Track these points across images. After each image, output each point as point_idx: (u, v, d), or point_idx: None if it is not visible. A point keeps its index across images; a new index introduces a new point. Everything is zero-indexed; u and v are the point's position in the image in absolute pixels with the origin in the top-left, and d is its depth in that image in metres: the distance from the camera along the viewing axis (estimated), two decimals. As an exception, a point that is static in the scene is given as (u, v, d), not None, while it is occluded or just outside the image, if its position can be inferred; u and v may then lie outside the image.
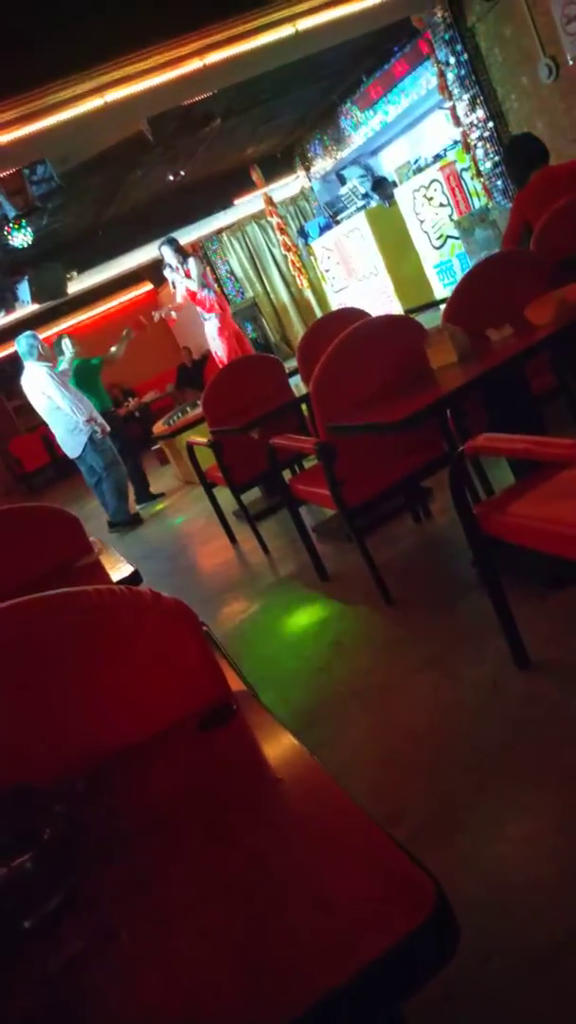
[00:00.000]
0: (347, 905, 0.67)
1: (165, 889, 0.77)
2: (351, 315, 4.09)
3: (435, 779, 1.86)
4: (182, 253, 6.97)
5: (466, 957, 1.33)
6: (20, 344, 5.75)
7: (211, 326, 7.24)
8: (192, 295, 7.00)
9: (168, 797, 0.92)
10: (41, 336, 5.97)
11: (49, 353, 5.83)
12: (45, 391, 5.68)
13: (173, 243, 6.98)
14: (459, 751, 1.92)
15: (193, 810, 0.88)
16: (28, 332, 5.88)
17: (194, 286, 6.92)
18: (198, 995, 0.65)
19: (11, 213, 6.43)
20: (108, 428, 5.92)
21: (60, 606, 1.03)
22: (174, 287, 7.12)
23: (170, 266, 6.96)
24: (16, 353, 5.89)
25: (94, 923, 0.75)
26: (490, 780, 1.77)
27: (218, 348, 7.34)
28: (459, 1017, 1.26)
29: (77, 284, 9.98)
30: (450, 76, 7.09)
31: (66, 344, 6.15)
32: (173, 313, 6.95)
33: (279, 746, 0.96)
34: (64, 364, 6.01)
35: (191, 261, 6.92)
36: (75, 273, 9.73)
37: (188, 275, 6.90)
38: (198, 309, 7.18)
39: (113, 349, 6.48)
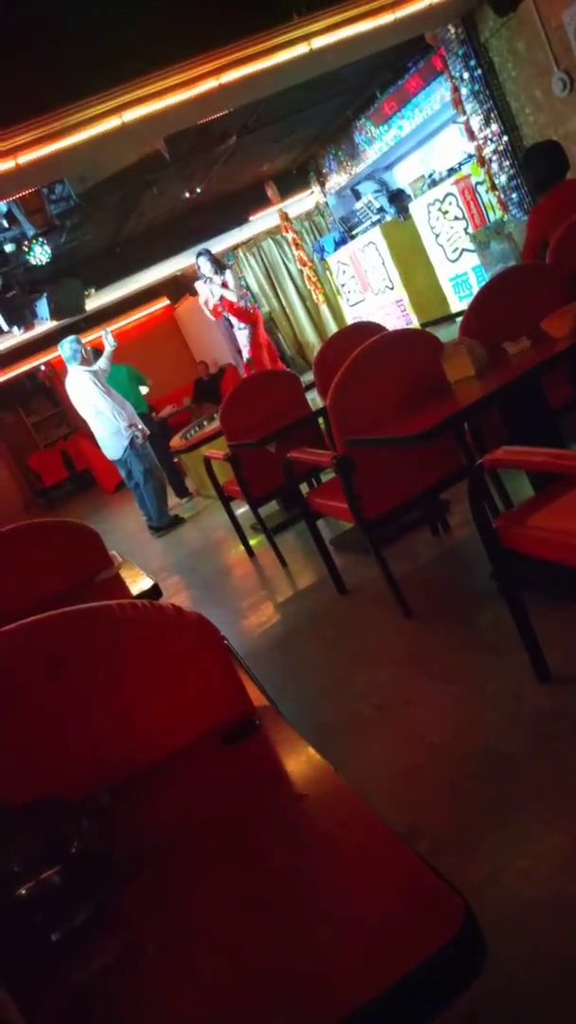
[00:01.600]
0: (374, 922, 0.67)
1: (191, 904, 0.77)
2: (368, 329, 4.11)
3: (456, 793, 1.84)
4: (218, 264, 7.05)
5: (490, 975, 1.32)
6: (63, 348, 5.86)
7: (244, 335, 7.29)
8: (230, 305, 7.07)
9: (192, 812, 0.92)
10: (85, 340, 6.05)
11: (91, 357, 5.90)
12: (88, 395, 5.76)
13: (208, 254, 7.09)
14: (480, 765, 1.90)
15: (218, 825, 0.88)
16: (72, 336, 5.98)
17: (232, 296, 7.00)
18: (225, 1011, 0.65)
19: (30, 231, 6.51)
20: (148, 432, 5.99)
21: (85, 621, 1.04)
22: (205, 298, 7.18)
23: (206, 277, 7.03)
24: (35, 370, 5.98)
25: (121, 937, 0.75)
26: (512, 795, 1.76)
27: (249, 358, 7.39)
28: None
29: (95, 301, 10.08)
30: (464, 91, 7.12)
31: (107, 338, 6.14)
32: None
33: (302, 761, 0.96)
34: (104, 360, 6.05)
35: (228, 273, 7.01)
36: (93, 290, 9.83)
37: (226, 286, 6.97)
38: (232, 320, 7.25)
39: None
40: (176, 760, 1.02)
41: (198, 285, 7.21)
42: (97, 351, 6.14)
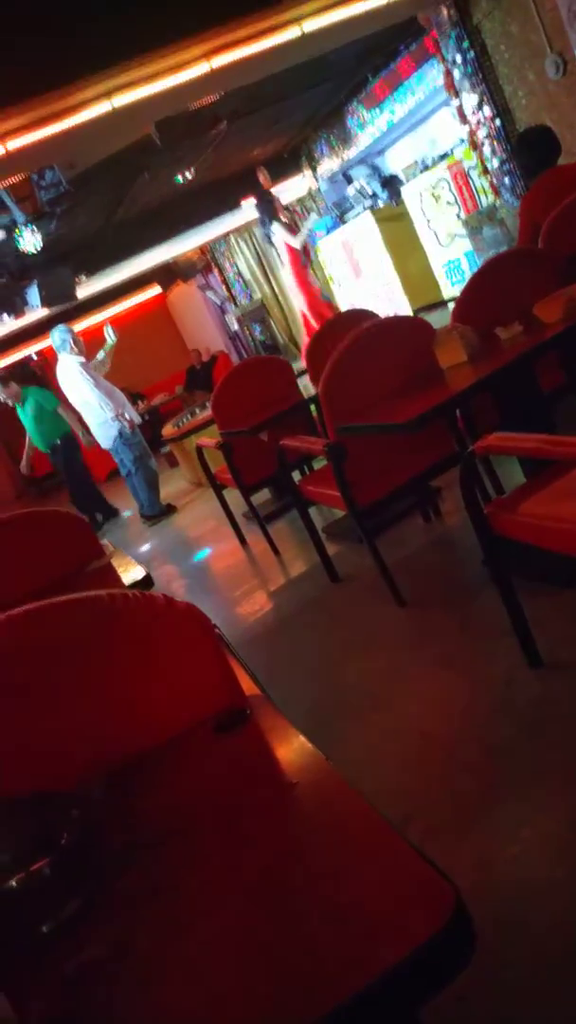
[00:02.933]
0: (365, 910, 0.67)
1: (182, 895, 0.77)
2: (360, 316, 4.09)
3: (448, 779, 1.85)
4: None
5: (480, 958, 1.33)
6: (54, 337, 5.85)
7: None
8: (291, 251, 7.31)
9: (184, 802, 0.92)
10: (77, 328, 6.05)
11: (83, 346, 5.87)
12: (76, 384, 5.75)
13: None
14: (472, 751, 1.91)
15: (209, 815, 0.88)
16: (62, 325, 5.97)
17: (296, 243, 7.26)
18: (216, 1001, 0.65)
19: (20, 218, 6.46)
20: (138, 421, 5.98)
21: (76, 611, 1.04)
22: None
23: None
24: (27, 358, 5.97)
25: (112, 928, 0.75)
26: (503, 780, 1.77)
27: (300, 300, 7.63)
28: (474, 1017, 1.25)
29: (86, 288, 10.00)
30: (456, 74, 7.07)
31: (108, 332, 6.13)
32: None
33: (294, 750, 0.96)
34: (103, 353, 6.04)
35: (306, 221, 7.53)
36: (84, 277, 9.75)
37: (293, 232, 7.23)
38: (286, 260, 7.47)
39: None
40: (168, 749, 1.02)
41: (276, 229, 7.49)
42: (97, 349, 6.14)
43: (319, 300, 7.61)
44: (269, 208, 7.30)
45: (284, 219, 7.36)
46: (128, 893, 0.80)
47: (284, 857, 0.78)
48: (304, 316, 7.70)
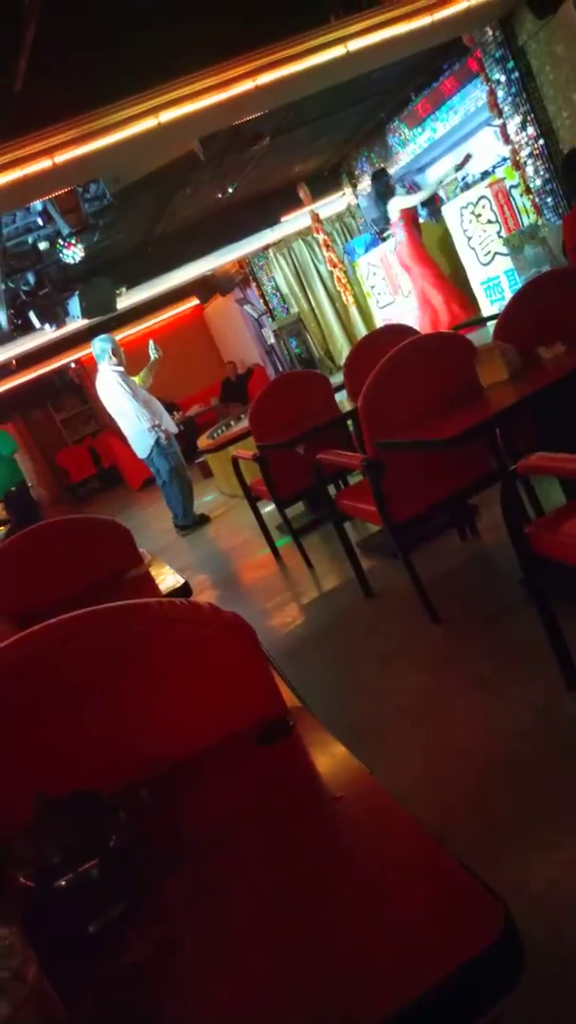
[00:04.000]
0: (413, 924, 0.67)
1: (229, 902, 0.78)
2: (400, 332, 4.10)
3: (482, 800, 1.84)
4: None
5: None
6: (94, 346, 5.95)
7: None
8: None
9: (229, 809, 0.93)
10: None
11: (123, 356, 5.95)
12: (113, 395, 5.82)
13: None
14: (506, 772, 1.89)
15: (254, 823, 0.89)
16: (104, 335, 6.05)
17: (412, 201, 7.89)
18: (261, 1006, 0.66)
19: (65, 230, 6.58)
20: (174, 431, 6.03)
21: (125, 617, 1.06)
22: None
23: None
24: (65, 367, 6.05)
25: (159, 932, 0.76)
26: (539, 802, 1.75)
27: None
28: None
29: (126, 300, 10.15)
30: (500, 94, 7.08)
31: (152, 349, 6.18)
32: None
33: (337, 763, 0.96)
34: (145, 371, 6.13)
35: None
36: (124, 289, 9.90)
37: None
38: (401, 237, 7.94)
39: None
40: (211, 758, 1.03)
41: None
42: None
43: (441, 277, 7.84)
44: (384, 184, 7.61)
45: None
46: (174, 897, 0.81)
47: (329, 868, 0.78)
48: (423, 293, 7.88)
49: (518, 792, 1.81)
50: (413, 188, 8.17)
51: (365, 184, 10.49)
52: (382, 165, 9.66)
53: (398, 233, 7.93)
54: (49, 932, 0.77)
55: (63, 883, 0.78)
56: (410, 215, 7.77)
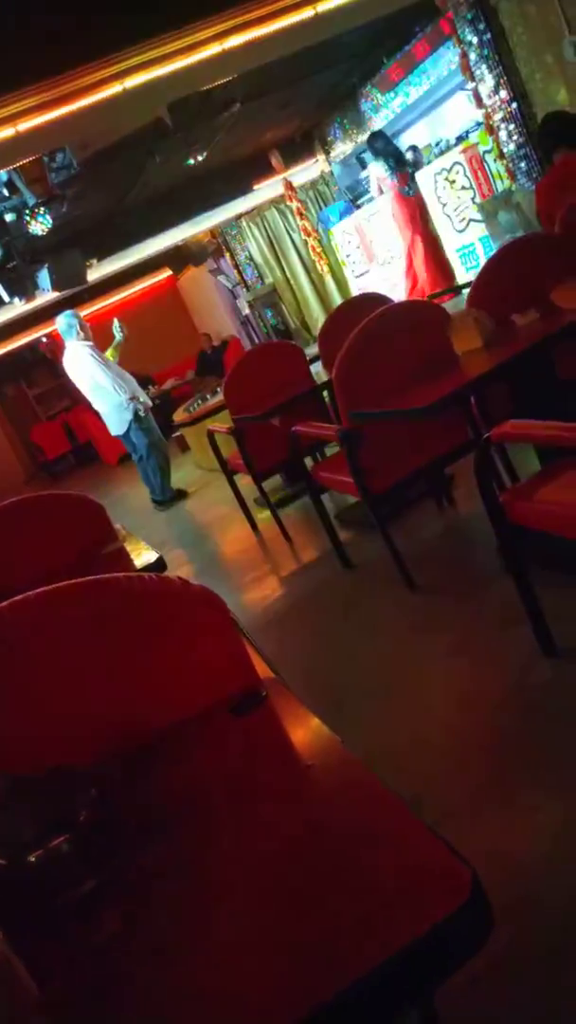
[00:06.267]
0: (383, 890, 0.67)
1: (201, 872, 0.78)
2: (373, 301, 4.06)
3: (459, 765, 1.86)
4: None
5: (494, 940, 1.33)
6: (60, 323, 5.78)
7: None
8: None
9: (201, 782, 0.93)
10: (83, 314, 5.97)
11: (89, 332, 5.83)
12: (87, 370, 5.70)
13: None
14: (484, 737, 1.92)
15: (226, 795, 0.89)
16: (68, 311, 5.89)
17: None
18: (234, 975, 0.66)
19: (31, 201, 6.43)
20: (149, 405, 5.94)
21: (93, 592, 1.04)
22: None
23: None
24: (37, 342, 5.93)
25: (130, 904, 0.76)
26: (515, 766, 1.77)
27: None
28: (486, 1001, 1.26)
29: (96, 272, 9.98)
30: (473, 56, 6.98)
31: (116, 329, 6.05)
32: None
33: (309, 732, 0.96)
34: (112, 352, 5.99)
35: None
36: (95, 261, 9.72)
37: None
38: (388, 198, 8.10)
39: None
40: (183, 730, 1.03)
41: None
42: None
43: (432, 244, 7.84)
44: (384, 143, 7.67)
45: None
46: (146, 870, 0.81)
47: (301, 836, 0.78)
48: (410, 260, 7.91)
49: (495, 757, 1.83)
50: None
51: (338, 150, 10.36)
52: (356, 132, 9.54)
53: (386, 195, 7.96)
54: (21, 907, 0.77)
55: (32, 859, 0.78)
56: (395, 184, 7.82)
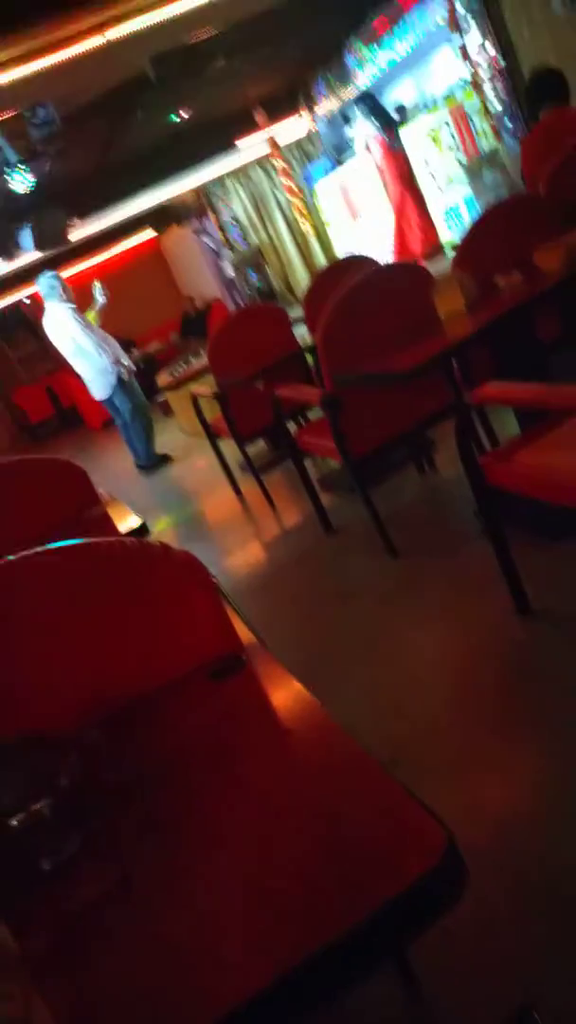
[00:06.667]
0: (360, 850, 0.69)
1: (180, 835, 0.79)
2: (357, 264, 4.02)
3: (436, 723, 1.89)
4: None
5: (466, 893, 1.37)
6: (40, 284, 5.64)
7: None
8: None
9: (181, 746, 0.94)
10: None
11: (71, 293, 5.71)
12: (69, 332, 5.59)
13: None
14: (460, 696, 1.95)
15: (206, 758, 0.90)
16: (49, 272, 5.76)
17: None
18: (214, 933, 0.67)
19: (12, 158, 6.27)
20: (134, 369, 5.86)
21: (73, 558, 1.04)
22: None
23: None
24: (19, 303, 5.81)
25: (111, 867, 0.77)
26: (490, 725, 1.81)
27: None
28: (458, 948, 1.30)
29: (79, 231, 9.78)
30: (460, 9, 6.81)
31: (97, 291, 5.90)
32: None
33: (289, 696, 0.97)
34: (92, 314, 5.86)
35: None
36: (77, 220, 9.52)
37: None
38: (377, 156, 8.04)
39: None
40: (164, 695, 1.04)
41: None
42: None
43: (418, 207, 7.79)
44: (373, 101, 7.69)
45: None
46: (126, 833, 0.82)
47: (279, 799, 0.79)
48: (399, 221, 7.86)
49: (471, 716, 1.86)
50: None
51: (323, 107, 10.14)
52: (342, 87, 9.34)
53: (374, 152, 7.88)
54: (2, 870, 0.78)
55: (14, 823, 0.78)
56: (383, 140, 7.74)
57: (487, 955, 1.28)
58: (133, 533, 1.87)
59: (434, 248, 7.69)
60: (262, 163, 10.96)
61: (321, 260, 10.66)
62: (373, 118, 8.00)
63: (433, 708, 1.96)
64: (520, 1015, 1.06)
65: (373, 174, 8.56)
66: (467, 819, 1.54)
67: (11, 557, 1.03)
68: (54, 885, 0.78)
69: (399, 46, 8.23)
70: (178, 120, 7.92)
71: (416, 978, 1.26)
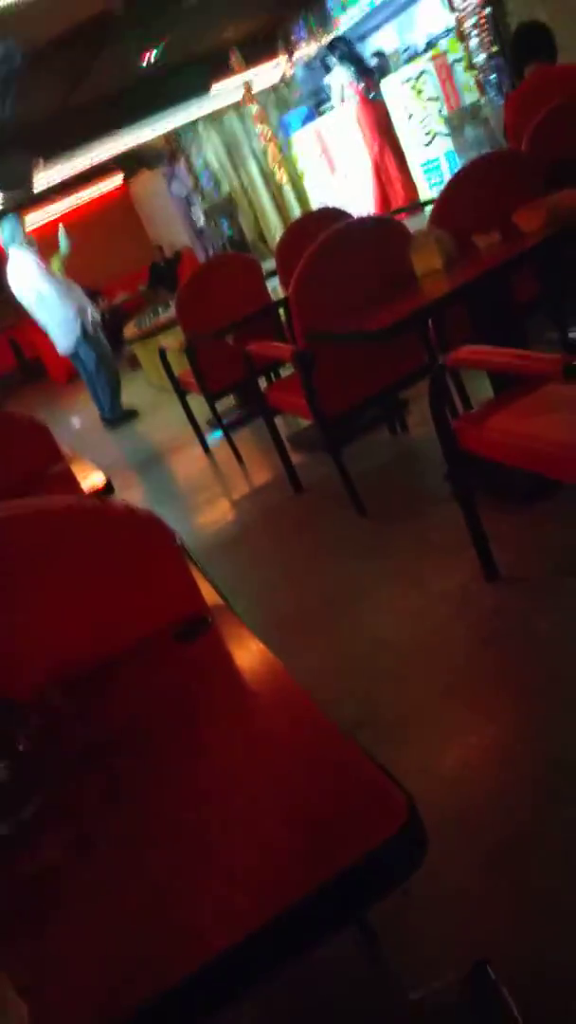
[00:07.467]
0: (321, 815, 0.68)
1: (141, 800, 0.78)
2: (332, 216, 3.93)
3: (401, 686, 1.91)
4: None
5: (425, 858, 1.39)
6: (3, 228, 5.42)
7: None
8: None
9: (143, 709, 0.92)
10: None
11: (34, 240, 5.50)
12: (31, 280, 5.40)
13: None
14: (425, 659, 1.96)
15: (168, 722, 0.89)
16: (10, 215, 5.52)
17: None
18: (170, 901, 0.67)
19: (-29, 93, 6.00)
20: (99, 319, 5.71)
21: (30, 517, 1.01)
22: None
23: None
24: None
25: (70, 832, 0.76)
26: (454, 688, 1.82)
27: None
28: (415, 907, 1.33)
29: (44, 175, 9.44)
30: (445, -46, 6.61)
31: (61, 237, 5.64)
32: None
33: (254, 658, 0.96)
34: (56, 262, 5.66)
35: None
36: (42, 162, 9.19)
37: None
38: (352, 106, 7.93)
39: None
40: (127, 657, 1.02)
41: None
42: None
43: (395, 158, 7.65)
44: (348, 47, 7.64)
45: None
46: (86, 797, 0.81)
47: (241, 763, 0.78)
48: (377, 171, 7.73)
49: (436, 678, 1.88)
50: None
51: (303, 52, 9.83)
52: (322, 31, 9.05)
53: (350, 102, 7.69)
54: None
55: (-30, 787, 0.77)
56: (360, 88, 7.54)
57: (444, 915, 1.30)
58: (97, 492, 1.83)
59: (413, 204, 7.56)
60: (237, 108, 10.64)
61: (296, 211, 10.44)
62: (348, 64, 7.77)
63: (396, 668, 1.97)
64: (475, 970, 1.09)
65: (352, 126, 8.36)
66: (427, 781, 1.56)
67: (-33, 514, 1.00)
68: (13, 850, 0.77)
69: (382, -10, 7.99)
70: (147, 65, 7.64)
71: (375, 937, 1.28)
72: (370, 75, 7.86)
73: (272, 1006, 1.26)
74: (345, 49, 7.95)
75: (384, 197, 7.91)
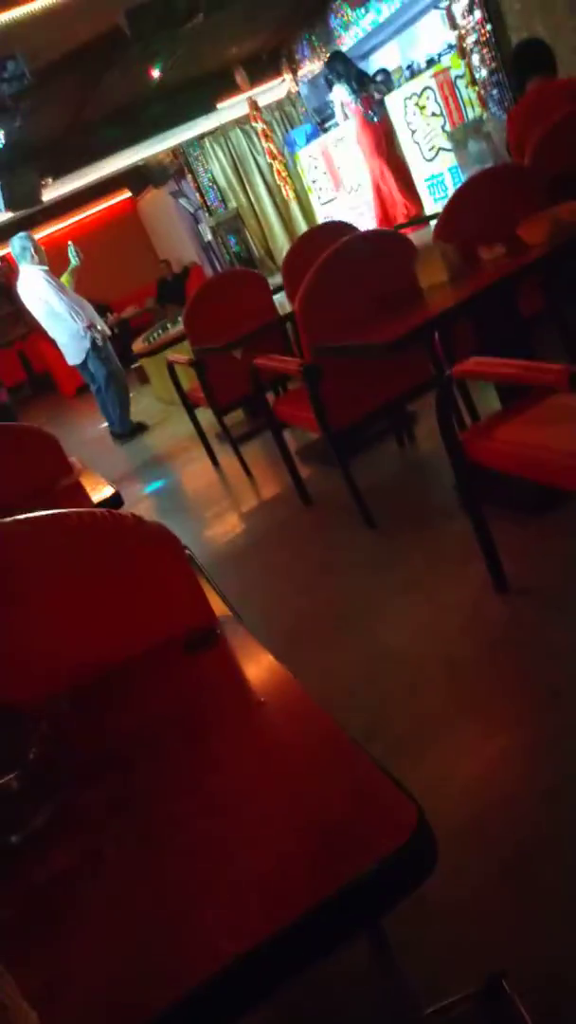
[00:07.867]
0: (329, 826, 0.68)
1: (151, 809, 0.78)
2: (338, 230, 3.95)
3: (413, 697, 1.90)
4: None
5: (441, 861, 1.38)
6: (13, 246, 5.50)
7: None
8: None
9: (153, 718, 0.93)
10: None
11: (44, 256, 5.57)
12: (41, 295, 5.47)
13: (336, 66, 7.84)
14: (437, 671, 1.96)
15: (178, 731, 0.89)
16: (22, 233, 5.60)
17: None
18: (184, 909, 0.67)
19: (-19, 113, 6.08)
20: (109, 333, 5.76)
21: (44, 529, 1.02)
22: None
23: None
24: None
25: (81, 840, 0.76)
26: (467, 700, 1.82)
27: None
28: (430, 917, 1.32)
29: (52, 191, 9.55)
30: (447, -29, 6.68)
31: (72, 253, 5.79)
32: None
33: (263, 669, 0.97)
34: (66, 276, 5.74)
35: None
36: (50, 179, 9.29)
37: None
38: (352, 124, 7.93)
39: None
40: (137, 667, 1.03)
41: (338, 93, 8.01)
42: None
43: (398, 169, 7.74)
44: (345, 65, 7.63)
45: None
46: (97, 807, 0.81)
47: (251, 773, 0.79)
48: (378, 189, 7.78)
49: (448, 690, 1.87)
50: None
51: (306, 69, 9.93)
52: (325, 50, 9.14)
53: (351, 120, 7.73)
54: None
55: (-19, 798, 0.77)
56: (359, 109, 7.57)
57: (458, 926, 1.30)
58: (106, 503, 1.85)
59: (418, 218, 7.59)
60: (242, 125, 10.74)
61: (302, 226, 10.50)
62: (346, 82, 7.80)
63: (408, 680, 1.97)
64: (490, 984, 1.08)
65: (354, 141, 8.42)
66: (440, 793, 1.56)
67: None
68: (23, 859, 0.77)
69: (385, 8, 8.07)
70: (155, 80, 7.72)
71: (389, 949, 1.28)
72: (369, 94, 7.86)
73: (284, 1019, 1.25)
74: (342, 67, 7.97)
75: (385, 216, 7.94)
